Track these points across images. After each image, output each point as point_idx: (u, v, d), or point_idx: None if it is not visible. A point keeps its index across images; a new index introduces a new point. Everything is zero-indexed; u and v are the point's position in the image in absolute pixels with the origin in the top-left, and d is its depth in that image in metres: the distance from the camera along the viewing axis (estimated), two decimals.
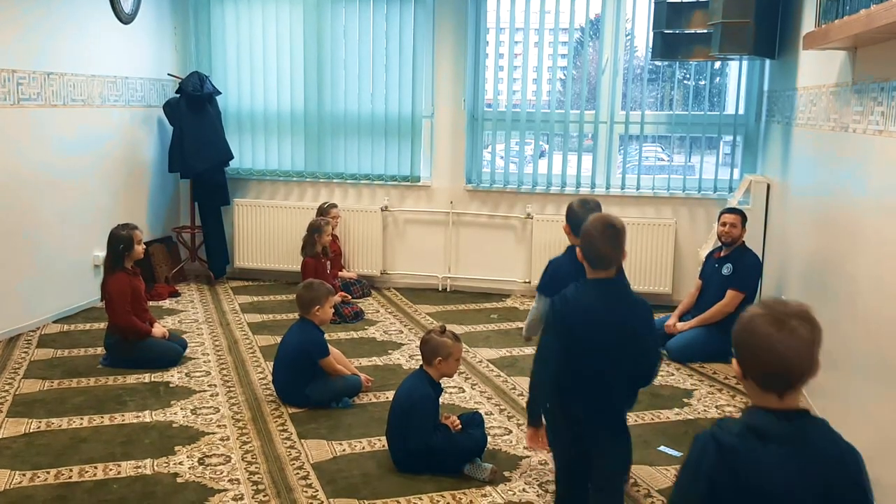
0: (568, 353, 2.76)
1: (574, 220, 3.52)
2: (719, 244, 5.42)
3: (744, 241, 5.33)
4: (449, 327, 3.78)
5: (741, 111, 6.42)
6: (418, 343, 3.76)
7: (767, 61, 6.04)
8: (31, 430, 3.95)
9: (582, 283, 2.84)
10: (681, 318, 5.41)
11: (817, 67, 4.64)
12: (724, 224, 5.30)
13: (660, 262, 6.49)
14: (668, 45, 5.93)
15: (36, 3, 5.47)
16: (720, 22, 5.20)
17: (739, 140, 6.47)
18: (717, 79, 6.71)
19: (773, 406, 1.73)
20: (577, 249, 2.84)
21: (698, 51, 5.83)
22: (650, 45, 6.22)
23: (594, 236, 2.79)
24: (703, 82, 6.54)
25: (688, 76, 6.75)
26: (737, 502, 1.69)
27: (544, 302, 3.41)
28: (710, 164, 6.61)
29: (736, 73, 6.45)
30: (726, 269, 5.28)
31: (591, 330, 2.75)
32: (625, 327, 2.77)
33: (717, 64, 6.49)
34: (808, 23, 4.66)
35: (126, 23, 6.43)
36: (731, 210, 5.38)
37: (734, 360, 1.81)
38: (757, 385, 1.75)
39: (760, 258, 5.64)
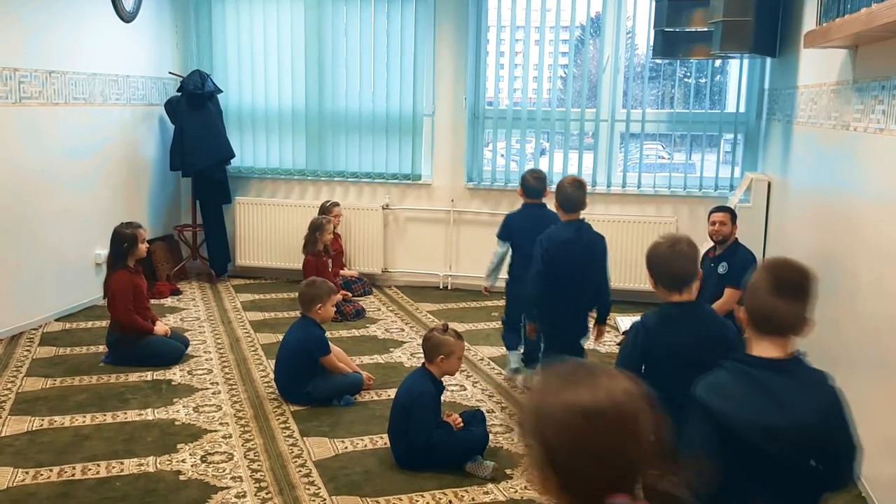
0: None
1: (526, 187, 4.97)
2: (712, 243, 5.43)
3: (737, 239, 5.33)
4: (450, 325, 3.79)
5: (742, 109, 6.42)
6: (420, 341, 3.77)
7: (768, 59, 6.04)
8: (34, 428, 3.96)
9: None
10: None
11: (818, 66, 4.65)
12: (713, 223, 5.31)
13: None
14: (669, 44, 5.93)
15: (38, 2, 5.48)
16: (721, 20, 5.20)
17: (740, 138, 6.47)
18: (718, 77, 6.71)
19: (675, 300, 2.69)
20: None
21: (699, 49, 5.83)
22: (651, 43, 6.22)
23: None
24: (703, 80, 6.54)
25: (688, 74, 6.75)
26: (657, 354, 2.66)
27: (502, 246, 4.96)
28: (711, 162, 6.62)
29: (737, 71, 6.45)
30: (722, 268, 5.28)
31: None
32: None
33: (718, 62, 6.49)
34: (809, 21, 4.67)
35: (127, 21, 6.44)
36: (720, 208, 5.39)
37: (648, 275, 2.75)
38: (664, 288, 2.70)
39: (761, 256, 5.65)
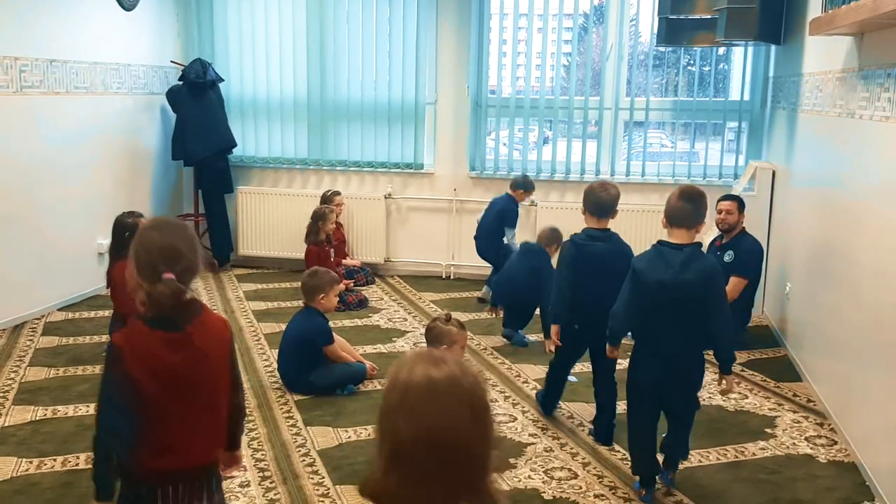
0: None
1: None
2: (719, 232, 5.42)
3: (744, 228, 5.32)
4: (453, 315, 3.78)
5: (746, 97, 6.39)
6: (423, 330, 3.76)
7: (773, 47, 6.00)
8: (37, 418, 3.96)
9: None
10: None
11: (823, 53, 4.62)
12: (720, 211, 5.31)
13: None
14: (673, 31, 5.90)
15: None
16: (725, 7, 5.17)
17: (744, 126, 6.44)
18: (722, 65, 6.67)
19: (595, 226, 3.77)
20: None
21: (703, 36, 5.80)
22: (655, 30, 6.19)
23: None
24: (707, 68, 6.50)
25: (692, 62, 6.72)
26: (583, 264, 3.72)
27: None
28: (715, 150, 6.59)
29: (741, 58, 6.42)
30: (728, 257, 5.27)
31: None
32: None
33: (722, 50, 6.45)
34: (815, 8, 4.63)
35: (128, 10, 6.41)
36: (727, 197, 5.38)
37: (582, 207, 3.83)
38: (591, 215, 3.79)
39: (765, 244, 5.63)
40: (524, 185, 6.10)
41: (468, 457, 1.33)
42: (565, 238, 4.11)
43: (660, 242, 3.26)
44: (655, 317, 3.19)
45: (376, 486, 1.37)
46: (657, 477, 3.35)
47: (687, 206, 3.20)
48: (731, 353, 3.25)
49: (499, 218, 6.02)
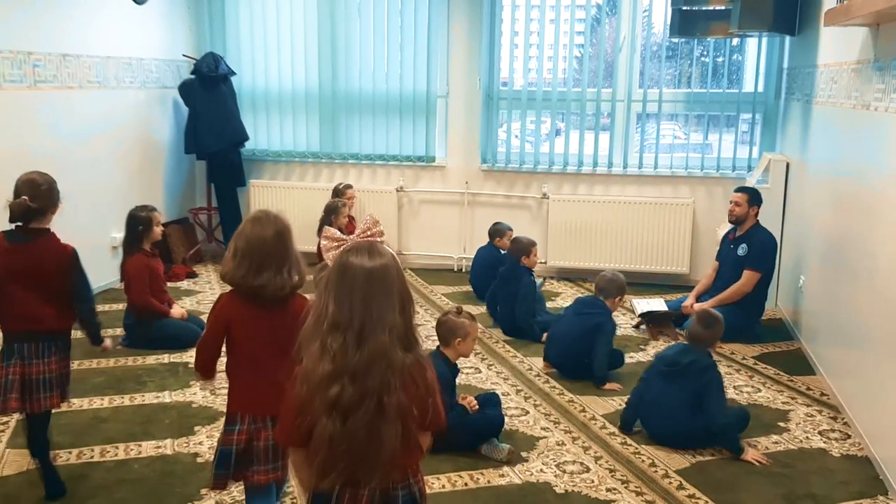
0: None
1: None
2: (732, 226, 5.40)
3: (758, 221, 5.30)
4: (465, 308, 3.78)
5: (760, 89, 6.34)
6: (435, 324, 3.76)
7: (787, 38, 5.96)
8: (52, 411, 3.98)
9: None
10: (698, 299, 5.38)
11: (838, 44, 4.57)
12: (730, 202, 5.31)
13: (677, 241, 6.45)
14: (687, 22, 5.86)
15: None
16: None
17: (758, 118, 6.39)
18: (736, 56, 6.62)
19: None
20: None
21: (717, 27, 5.76)
22: (668, 21, 6.15)
23: None
24: (721, 59, 6.46)
25: (706, 53, 6.67)
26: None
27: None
28: (729, 142, 6.55)
29: (755, 49, 6.37)
30: (741, 250, 5.25)
31: None
32: None
33: (736, 41, 6.40)
34: None
35: (140, 4, 6.42)
36: (738, 189, 5.36)
37: None
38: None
39: (779, 237, 5.60)
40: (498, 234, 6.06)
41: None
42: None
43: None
44: None
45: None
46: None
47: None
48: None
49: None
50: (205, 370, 2.71)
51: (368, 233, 2.11)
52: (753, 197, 5.27)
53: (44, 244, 3.21)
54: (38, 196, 3.16)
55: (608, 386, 4.36)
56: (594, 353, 4.40)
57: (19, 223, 3.16)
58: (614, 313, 4.61)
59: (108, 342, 3.47)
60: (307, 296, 2.44)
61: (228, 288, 2.60)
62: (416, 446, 1.83)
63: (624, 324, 5.54)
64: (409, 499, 1.84)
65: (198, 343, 2.71)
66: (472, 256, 6.64)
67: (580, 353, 4.45)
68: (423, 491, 1.90)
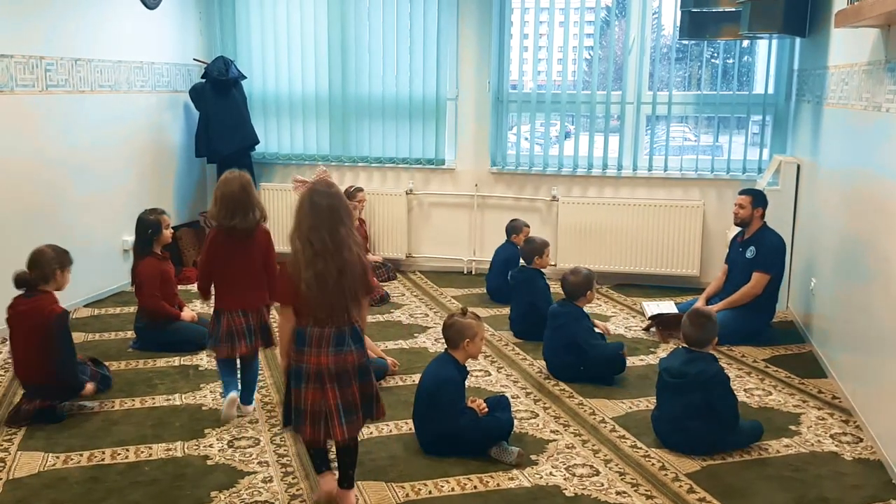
0: None
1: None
2: (740, 228, 5.39)
3: (765, 223, 5.28)
4: (474, 310, 3.78)
5: (770, 90, 6.32)
6: (441, 327, 3.76)
7: (797, 39, 5.94)
8: (65, 413, 4.01)
9: None
10: (708, 302, 5.36)
11: (849, 45, 4.55)
12: (735, 205, 5.30)
13: (687, 244, 6.44)
14: (696, 24, 5.85)
15: None
16: (749, 0, 5.11)
17: (769, 120, 6.37)
18: (746, 57, 6.61)
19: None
20: None
21: (727, 29, 5.75)
22: (678, 23, 6.14)
23: None
24: (731, 61, 6.44)
25: (716, 55, 6.66)
26: None
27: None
28: (739, 144, 6.53)
29: (765, 51, 6.35)
30: (749, 252, 5.23)
31: None
32: None
33: (746, 42, 6.39)
34: (840, 0, 4.57)
35: (152, 8, 6.46)
36: (744, 191, 5.35)
37: None
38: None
39: (789, 239, 5.58)
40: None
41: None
42: None
43: None
44: None
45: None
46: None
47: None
48: None
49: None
50: (204, 291, 3.92)
51: (323, 176, 3.09)
52: (757, 199, 5.25)
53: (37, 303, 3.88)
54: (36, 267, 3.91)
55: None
56: (587, 355, 4.45)
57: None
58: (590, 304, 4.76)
59: (89, 387, 4.01)
60: (267, 227, 4.01)
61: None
62: (359, 303, 3.01)
63: (634, 326, 5.53)
64: (353, 331, 2.99)
65: (198, 268, 3.78)
66: (483, 259, 6.66)
67: (573, 363, 4.48)
68: (362, 329, 3.04)
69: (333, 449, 3.19)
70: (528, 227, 6.13)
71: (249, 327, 3.87)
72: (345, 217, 2.97)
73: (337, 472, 3.17)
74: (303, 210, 2.95)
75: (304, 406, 2.96)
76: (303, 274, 2.88)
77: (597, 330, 4.78)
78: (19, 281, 3.89)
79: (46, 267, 3.90)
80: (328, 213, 2.91)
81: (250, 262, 3.85)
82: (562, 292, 4.66)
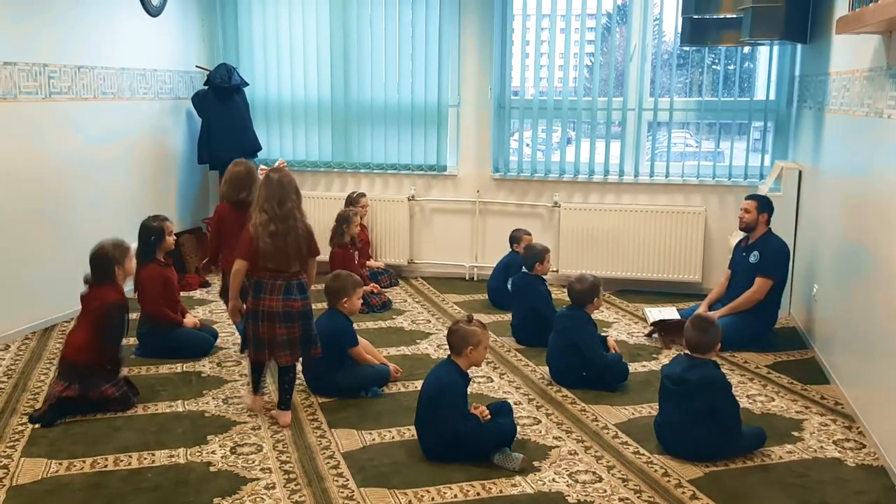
0: None
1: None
2: (745, 234, 5.39)
3: (769, 228, 5.28)
4: (476, 317, 3.78)
5: (772, 96, 6.33)
6: (446, 333, 3.76)
7: (799, 46, 5.95)
8: (68, 419, 4.01)
9: None
10: (711, 308, 5.36)
11: (850, 52, 4.56)
12: (740, 210, 5.32)
13: (689, 250, 6.44)
14: (698, 31, 5.86)
15: None
16: (751, 6, 5.13)
17: (770, 126, 6.38)
18: (747, 64, 6.62)
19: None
20: None
21: (728, 36, 5.76)
22: (679, 30, 6.15)
23: None
24: (732, 67, 6.45)
25: (717, 61, 6.67)
26: None
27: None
28: (741, 150, 6.54)
29: (766, 57, 6.36)
30: (753, 257, 5.23)
31: None
32: None
33: (747, 49, 6.40)
34: (841, 6, 4.58)
35: (154, 15, 6.48)
36: (750, 196, 5.36)
37: None
38: None
39: (791, 244, 5.58)
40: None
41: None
42: None
43: None
44: None
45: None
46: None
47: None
48: None
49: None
50: (214, 256, 4.89)
51: (279, 165, 3.94)
52: (762, 204, 5.25)
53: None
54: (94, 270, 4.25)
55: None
56: (589, 362, 4.45)
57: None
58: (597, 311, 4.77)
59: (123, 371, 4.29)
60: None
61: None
62: (305, 261, 3.92)
63: (636, 332, 5.53)
64: (299, 284, 3.89)
65: (209, 237, 4.99)
66: (484, 265, 6.67)
67: (576, 367, 4.48)
68: (308, 283, 3.96)
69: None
70: (528, 235, 6.14)
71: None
72: (291, 193, 3.89)
73: (265, 396, 4.25)
74: (261, 187, 3.90)
75: (260, 336, 3.88)
76: (259, 234, 3.78)
77: (609, 340, 4.79)
78: (87, 282, 4.22)
79: (103, 268, 4.18)
80: (278, 187, 3.84)
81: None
82: (565, 298, 4.66)
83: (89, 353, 4.05)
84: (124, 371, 4.29)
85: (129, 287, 5.93)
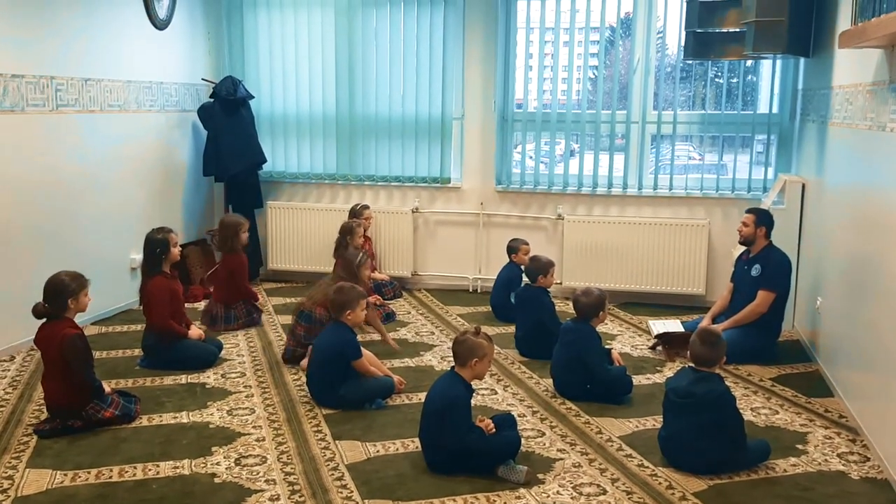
0: None
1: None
2: (746, 247, 5.41)
3: (770, 241, 5.29)
4: (481, 329, 3.79)
5: (775, 110, 6.35)
6: (450, 344, 3.77)
7: (802, 59, 5.97)
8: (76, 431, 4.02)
9: None
10: (714, 320, 5.37)
11: (853, 66, 4.59)
12: (740, 223, 5.34)
13: (693, 262, 6.45)
14: (701, 44, 5.89)
15: (73, 12, 5.58)
16: (754, 20, 5.15)
17: (773, 139, 6.40)
18: (750, 77, 6.64)
19: None
20: None
21: (731, 49, 5.78)
22: (682, 43, 6.18)
23: None
24: (735, 81, 6.48)
25: (720, 75, 6.69)
26: None
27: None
28: (744, 163, 6.55)
29: (769, 71, 6.38)
30: (755, 270, 5.24)
31: None
32: None
33: (750, 62, 6.42)
34: (844, 21, 4.61)
35: (161, 29, 6.53)
36: (749, 210, 5.38)
37: None
38: None
39: (795, 258, 5.58)
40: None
41: None
42: None
43: None
44: None
45: None
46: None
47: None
48: None
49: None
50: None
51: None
52: (761, 217, 5.27)
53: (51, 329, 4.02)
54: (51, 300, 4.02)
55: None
56: (593, 376, 4.45)
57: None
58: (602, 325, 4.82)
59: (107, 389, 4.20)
60: None
61: None
62: None
63: (640, 345, 5.53)
64: None
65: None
66: (488, 277, 6.67)
67: (580, 379, 4.49)
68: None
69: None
70: (526, 244, 6.15)
71: None
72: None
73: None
74: None
75: None
76: None
77: (613, 353, 4.80)
78: (38, 313, 4.01)
79: (58, 298, 4.00)
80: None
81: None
82: (569, 311, 4.67)
83: (71, 394, 4.00)
84: (108, 387, 4.21)
85: (130, 301, 6.00)
